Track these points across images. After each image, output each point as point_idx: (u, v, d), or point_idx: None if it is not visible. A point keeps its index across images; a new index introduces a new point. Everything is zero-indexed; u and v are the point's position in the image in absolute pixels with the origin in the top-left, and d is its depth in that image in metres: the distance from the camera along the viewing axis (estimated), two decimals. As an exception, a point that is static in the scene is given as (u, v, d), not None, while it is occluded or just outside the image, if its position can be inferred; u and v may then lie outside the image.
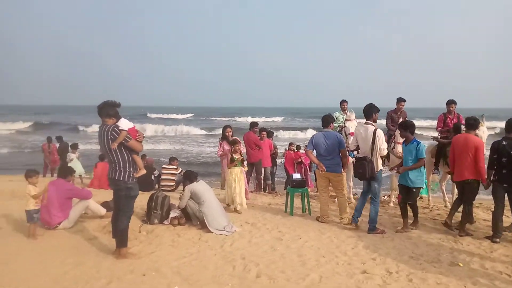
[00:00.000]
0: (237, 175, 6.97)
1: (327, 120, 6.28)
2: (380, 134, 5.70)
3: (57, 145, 13.44)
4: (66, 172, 6.07)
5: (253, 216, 6.64)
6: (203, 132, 37.62)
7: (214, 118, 60.12)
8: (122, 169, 4.39)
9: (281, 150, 12.02)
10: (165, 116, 62.50)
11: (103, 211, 6.09)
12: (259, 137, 9.71)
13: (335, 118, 7.39)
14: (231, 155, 7.09)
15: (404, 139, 5.94)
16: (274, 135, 11.29)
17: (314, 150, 6.25)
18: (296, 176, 7.07)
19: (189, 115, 68.03)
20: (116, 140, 4.27)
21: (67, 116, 59.91)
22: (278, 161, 11.26)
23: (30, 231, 5.16)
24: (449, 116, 7.43)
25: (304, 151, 11.03)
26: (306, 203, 6.94)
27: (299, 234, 5.54)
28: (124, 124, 4.49)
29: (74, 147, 12.77)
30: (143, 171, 4.73)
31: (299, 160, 10.39)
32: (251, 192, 9.51)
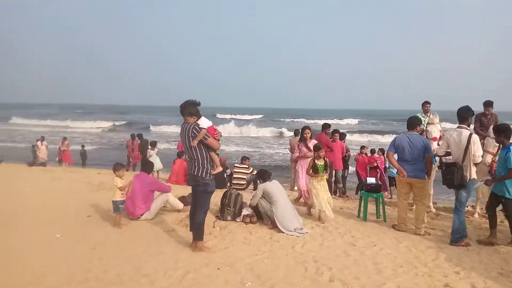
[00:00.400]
0: (323, 183, 6.44)
1: (413, 122, 5.94)
2: (476, 140, 5.27)
3: (138, 142, 14.51)
4: (148, 166, 6.52)
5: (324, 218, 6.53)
6: (273, 134, 37.70)
7: (285, 120, 59.88)
8: (200, 165, 4.59)
9: (355, 153, 11.66)
10: (234, 116, 63.67)
11: (180, 205, 6.42)
12: (331, 139, 9.55)
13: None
14: (314, 161, 6.51)
15: (498, 145, 5.44)
16: (346, 137, 10.97)
17: (396, 154, 5.95)
18: (371, 180, 6.81)
19: (259, 116, 68.77)
20: (196, 138, 4.48)
21: (141, 116, 64.46)
22: (351, 168, 10.97)
23: (116, 221, 5.61)
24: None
25: (378, 155, 10.63)
26: (381, 209, 6.66)
27: (373, 241, 5.33)
28: (204, 122, 4.69)
29: (154, 144, 13.73)
30: (220, 169, 4.90)
31: (374, 164, 10.00)
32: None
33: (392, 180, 10.14)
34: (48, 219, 5.72)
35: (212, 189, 4.75)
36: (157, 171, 12.15)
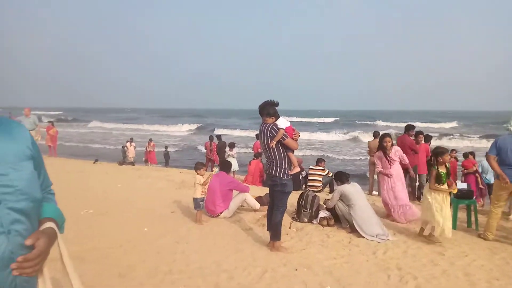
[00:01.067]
0: (445, 196, 5.29)
1: None
2: None
3: (217, 143, 15.04)
4: (227, 166, 6.73)
5: (407, 225, 6.15)
6: (348, 137, 36.10)
7: (372, 122, 55.33)
8: (278, 165, 4.59)
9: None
10: (306, 119, 62.49)
11: (257, 205, 6.50)
12: (415, 141, 8.98)
13: None
14: (437, 170, 5.26)
15: None
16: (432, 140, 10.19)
17: (497, 157, 5.39)
18: (462, 185, 6.23)
19: (332, 119, 66.77)
20: (274, 138, 4.49)
21: (216, 119, 66.77)
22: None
23: (197, 217, 5.85)
24: None
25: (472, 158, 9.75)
26: (473, 217, 6.07)
27: (465, 251, 4.88)
28: (282, 123, 4.68)
29: (232, 145, 14.13)
30: (298, 169, 4.86)
31: (473, 169, 9.14)
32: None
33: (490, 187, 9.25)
34: (136, 213, 6.17)
35: (290, 189, 4.73)
36: (233, 172, 12.47)
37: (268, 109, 4.65)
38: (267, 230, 4.96)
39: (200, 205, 5.85)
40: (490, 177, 9.93)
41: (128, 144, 18.64)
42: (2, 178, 1.14)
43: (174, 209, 6.55)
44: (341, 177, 6.04)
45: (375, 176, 10.16)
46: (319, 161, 9.86)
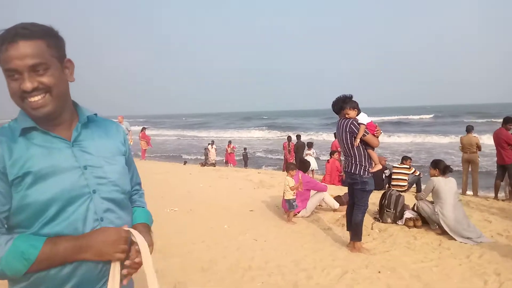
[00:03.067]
0: None
1: None
2: None
3: (295, 143, 15.05)
4: (305, 165, 6.67)
5: (508, 227, 5.48)
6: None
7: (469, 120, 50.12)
8: (358, 163, 4.41)
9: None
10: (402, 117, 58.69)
11: (336, 204, 6.33)
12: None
13: None
14: None
15: None
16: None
17: None
18: None
19: (428, 116, 61.09)
20: (357, 135, 4.34)
21: (287, 119, 66.41)
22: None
23: (289, 217, 5.85)
24: None
25: None
26: None
27: None
28: (363, 118, 4.50)
29: (310, 145, 14.04)
30: (379, 166, 4.62)
31: None
32: (503, 201, 7.96)
33: None
34: (217, 211, 6.38)
35: (371, 187, 4.51)
36: (312, 171, 12.31)
37: (352, 103, 4.49)
38: (347, 230, 4.80)
39: (294, 206, 5.85)
40: None
41: (209, 146, 19.51)
42: (98, 170, 1.24)
43: (253, 208, 6.65)
44: (439, 164, 5.42)
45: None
46: (405, 159, 9.24)
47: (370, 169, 4.45)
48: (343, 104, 4.51)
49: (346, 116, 4.48)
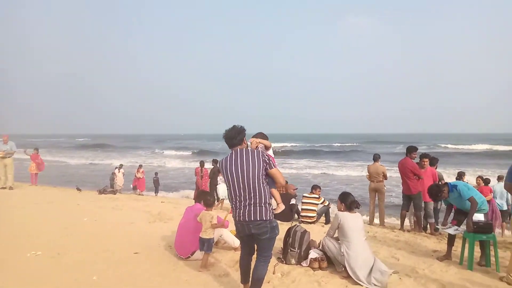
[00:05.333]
0: None
1: None
2: None
3: (207, 169, 14.17)
4: (204, 197, 5.76)
5: (415, 265, 5.15)
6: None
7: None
8: (263, 205, 3.56)
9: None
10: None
11: (237, 242, 5.51)
12: (419, 165, 8.09)
13: None
14: None
15: None
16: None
17: None
18: (479, 217, 5.24)
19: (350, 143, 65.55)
20: (273, 169, 3.68)
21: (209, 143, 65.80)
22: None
23: (203, 262, 4.88)
24: None
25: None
26: (493, 255, 5.09)
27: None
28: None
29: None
30: (282, 207, 3.89)
31: (491, 197, 8.20)
32: (408, 231, 7.88)
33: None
34: (92, 256, 5.19)
35: (279, 230, 3.77)
36: (222, 200, 11.50)
37: (242, 135, 3.74)
38: (242, 283, 3.96)
39: (211, 247, 4.94)
40: (502, 203, 9.02)
41: (116, 170, 17.81)
42: None
43: (139, 249, 5.54)
44: (346, 198, 4.87)
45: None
46: (314, 188, 8.87)
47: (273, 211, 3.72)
48: (237, 136, 3.72)
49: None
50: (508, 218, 8.81)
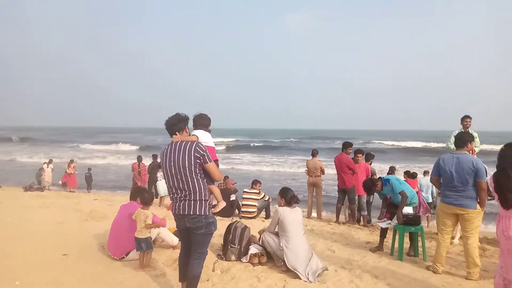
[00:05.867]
0: None
1: (463, 138, 4.78)
2: None
3: (146, 164, 13.67)
4: (139, 194, 5.48)
5: (350, 257, 5.37)
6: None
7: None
8: (201, 198, 3.46)
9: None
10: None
11: (175, 240, 5.35)
12: (354, 160, 8.46)
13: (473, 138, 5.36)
14: None
15: None
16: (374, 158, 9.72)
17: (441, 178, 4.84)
18: (408, 210, 5.59)
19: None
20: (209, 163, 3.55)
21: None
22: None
23: (145, 261, 4.66)
24: None
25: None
26: (421, 246, 5.46)
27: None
28: (205, 137, 3.77)
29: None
30: (223, 204, 3.79)
31: (416, 190, 8.73)
32: (343, 223, 8.22)
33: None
34: (14, 259, 4.72)
35: (216, 228, 3.67)
36: (162, 197, 11.13)
37: (180, 124, 3.60)
38: (180, 281, 3.83)
39: (150, 246, 4.67)
40: (428, 196, 9.71)
41: (45, 166, 16.61)
42: None
43: (68, 251, 5.14)
44: (286, 193, 4.91)
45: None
46: (254, 183, 8.90)
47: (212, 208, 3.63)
48: (178, 124, 3.58)
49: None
50: (432, 210, 9.53)
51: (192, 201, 3.42)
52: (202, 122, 3.99)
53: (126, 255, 4.88)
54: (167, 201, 10.44)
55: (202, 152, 3.40)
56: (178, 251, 5.03)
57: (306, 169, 9.65)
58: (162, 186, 11.28)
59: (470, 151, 4.98)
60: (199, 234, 3.50)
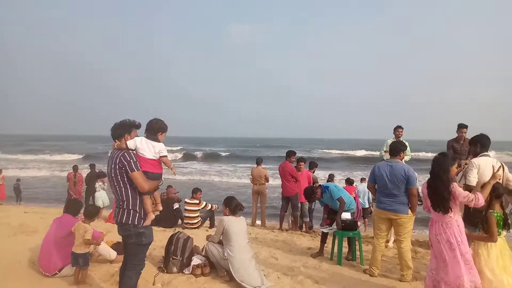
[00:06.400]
0: (503, 247, 3.88)
1: (397, 148, 5.08)
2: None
3: (84, 175, 12.92)
4: (74, 207, 5.18)
5: (292, 263, 5.47)
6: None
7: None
8: (131, 209, 3.41)
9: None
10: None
11: (113, 254, 5.12)
12: (296, 168, 8.67)
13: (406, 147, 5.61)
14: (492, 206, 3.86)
15: None
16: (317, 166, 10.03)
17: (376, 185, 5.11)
18: (346, 215, 5.83)
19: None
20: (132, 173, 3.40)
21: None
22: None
23: (81, 277, 4.41)
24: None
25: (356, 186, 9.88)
26: (358, 250, 5.71)
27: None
28: (139, 143, 3.62)
29: (101, 175, 12.06)
30: (152, 217, 3.59)
31: (353, 196, 9.11)
32: (286, 230, 8.37)
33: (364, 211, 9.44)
34: None
35: (149, 239, 3.56)
36: (101, 209, 10.56)
37: (118, 130, 3.53)
38: (116, 294, 3.67)
39: (87, 262, 4.44)
40: (365, 202, 10.19)
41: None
42: None
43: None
44: (230, 202, 4.89)
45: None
46: (195, 191, 8.65)
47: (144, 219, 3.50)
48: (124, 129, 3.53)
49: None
50: (368, 215, 10.01)
51: (126, 210, 3.42)
52: (149, 128, 3.70)
53: (59, 271, 4.57)
54: (106, 213, 9.95)
55: (124, 162, 3.34)
56: (116, 265, 4.85)
57: (251, 177, 9.71)
58: (100, 197, 10.74)
59: (402, 160, 5.31)
60: (130, 244, 3.49)
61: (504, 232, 3.87)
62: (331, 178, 9.82)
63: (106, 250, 5.09)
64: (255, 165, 9.68)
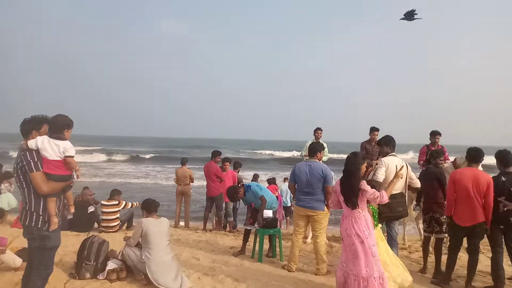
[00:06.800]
0: (380, 239, 4.52)
1: (315, 148, 5.35)
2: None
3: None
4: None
5: (214, 263, 5.47)
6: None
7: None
8: (33, 211, 3.20)
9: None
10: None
11: (18, 261, 4.67)
12: (222, 168, 8.71)
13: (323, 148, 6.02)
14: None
15: None
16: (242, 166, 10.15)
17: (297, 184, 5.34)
18: (268, 213, 5.97)
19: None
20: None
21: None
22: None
23: None
24: (433, 148, 6.77)
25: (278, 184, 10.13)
26: (278, 247, 5.89)
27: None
28: (40, 142, 3.32)
29: (7, 176, 10.87)
30: (55, 224, 3.34)
31: (276, 195, 9.33)
32: (210, 231, 8.35)
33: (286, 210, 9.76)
34: None
35: (55, 243, 3.33)
36: (6, 212, 9.55)
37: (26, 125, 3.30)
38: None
39: None
40: (287, 200, 10.56)
41: None
42: None
43: None
44: (149, 206, 4.75)
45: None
46: (114, 193, 8.21)
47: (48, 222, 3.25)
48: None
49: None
50: (290, 213, 10.39)
51: (29, 212, 3.21)
52: (52, 125, 3.39)
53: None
54: (11, 217, 9.06)
55: (24, 162, 3.14)
56: (20, 273, 4.43)
57: (175, 177, 9.53)
58: (6, 199, 9.73)
59: (320, 160, 5.60)
60: (34, 248, 3.29)
61: (380, 225, 4.62)
62: (255, 177, 10.02)
63: (10, 257, 4.63)
64: (180, 165, 9.53)
